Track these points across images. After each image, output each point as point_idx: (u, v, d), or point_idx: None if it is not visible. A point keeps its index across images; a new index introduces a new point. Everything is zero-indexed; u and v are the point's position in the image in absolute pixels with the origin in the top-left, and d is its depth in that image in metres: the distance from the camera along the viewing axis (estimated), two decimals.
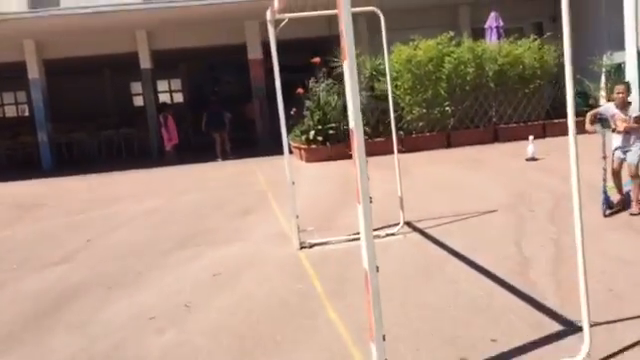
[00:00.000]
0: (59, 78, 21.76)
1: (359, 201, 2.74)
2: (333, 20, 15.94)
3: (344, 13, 2.66)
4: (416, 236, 5.81)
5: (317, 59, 12.55)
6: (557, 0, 13.56)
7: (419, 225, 6.15)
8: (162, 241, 6.57)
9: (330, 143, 12.31)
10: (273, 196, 8.88)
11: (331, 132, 12.31)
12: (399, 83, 12.53)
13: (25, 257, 6.44)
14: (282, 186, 10.19)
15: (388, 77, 6.84)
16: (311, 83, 12.84)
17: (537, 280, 4.21)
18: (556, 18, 16.38)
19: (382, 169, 10.58)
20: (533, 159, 9.79)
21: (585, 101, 13.53)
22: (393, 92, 13.08)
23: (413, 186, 8.51)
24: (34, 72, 15.22)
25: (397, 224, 6.15)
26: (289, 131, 14.55)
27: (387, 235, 5.91)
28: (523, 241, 5.22)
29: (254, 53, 15.76)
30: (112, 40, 15.39)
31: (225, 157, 14.54)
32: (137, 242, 6.67)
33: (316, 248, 5.74)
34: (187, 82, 22.89)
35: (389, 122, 12.93)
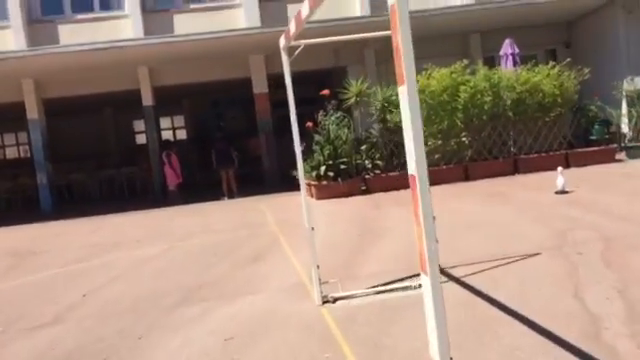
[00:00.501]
0: (59, 118, 21.41)
1: (425, 269, 2.07)
2: (340, 51, 15.55)
3: (401, 28, 2.05)
4: (454, 287, 5.09)
5: (326, 91, 12.02)
6: (571, 26, 13.25)
7: (455, 272, 5.44)
8: (165, 294, 5.87)
9: (342, 179, 11.68)
10: (285, 239, 8.19)
11: (343, 167, 11.69)
12: None
13: (15, 316, 5.74)
14: (294, 226, 9.58)
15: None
16: (320, 116, 12.26)
17: (615, 345, 3.49)
18: (570, 44, 15.93)
19: (400, 205, 9.93)
20: (563, 192, 9.11)
21: (607, 128, 12.94)
22: None
23: (439, 224, 7.79)
24: (33, 112, 14.74)
25: None
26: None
27: (420, 286, 5.20)
28: (583, 292, 4.50)
29: (259, 87, 15.28)
30: (112, 77, 14.95)
31: (231, 196, 13.90)
32: (137, 296, 5.97)
33: (340, 303, 5.03)
34: (190, 118, 22.43)
35: (403, 155, 12.36)
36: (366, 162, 11.92)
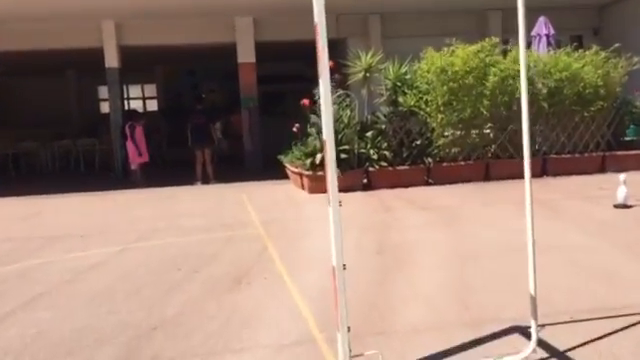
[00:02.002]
0: (12, 77, 18.93)
1: None
2: (342, 20, 13.38)
3: None
4: None
5: (330, 62, 9.90)
6: (602, 11, 11.06)
7: (552, 338, 3.50)
8: (100, 341, 3.82)
9: (341, 170, 9.65)
10: (276, 249, 6.17)
11: (343, 156, 9.66)
12: (430, 98, 9.97)
13: None
14: (285, 230, 7.37)
15: None
16: (317, 93, 10.16)
17: None
18: (599, 31, 14.11)
19: (414, 208, 7.97)
20: (625, 206, 7.26)
21: None
22: (422, 109, 10.59)
23: (479, 245, 5.88)
24: None
25: (508, 330, 3.54)
26: (286, 151, 11.94)
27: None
28: None
29: (245, 55, 13.13)
30: (73, 31, 12.63)
31: (206, 181, 11.76)
32: (59, 340, 3.90)
33: None
34: (163, 88, 20.07)
35: (415, 146, 10.38)
36: (371, 152, 9.92)
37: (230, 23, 13.01)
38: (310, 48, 11.74)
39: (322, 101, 2.99)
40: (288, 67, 19.25)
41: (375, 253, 5.86)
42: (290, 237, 6.74)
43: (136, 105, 20.84)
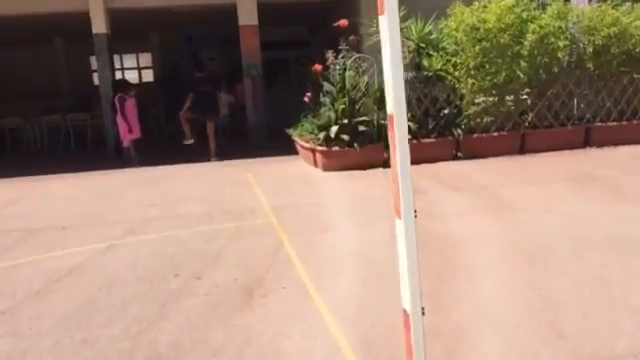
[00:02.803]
0: None
1: None
2: None
3: None
4: None
5: (343, 21, 8.72)
6: None
7: None
8: None
9: (359, 145, 8.52)
10: (292, 243, 5.10)
11: (361, 128, 8.52)
12: (459, 60, 8.77)
13: None
14: (302, 219, 6.02)
15: None
16: (331, 57, 8.96)
17: None
18: None
19: (451, 190, 6.86)
20: None
21: None
22: (450, 73, 9.38)
23: (543, 238, 4.75)
24: None
25: None
26: (295, 124, 10.78)
27: None
28: None
29: (247, 17, 11.85)
30: None
31: (207, 157, 10.63)
32: None
33: None
34: (159, 56, 18.76)
35: (442, 115, 9.20)
36: None
37: None
38: (314, 9, 10.47)
39: (388, 55, 1.90)
40: (289, 32, 17.96)
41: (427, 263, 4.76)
42: (309, 228, 5.65)
43: (131, 76, 19.59)
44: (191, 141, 10.65)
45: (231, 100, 13.47)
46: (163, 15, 13.81)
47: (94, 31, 11.49)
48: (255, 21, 11.79)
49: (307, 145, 9.12)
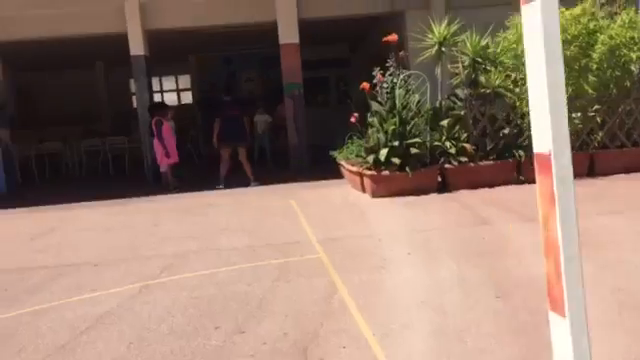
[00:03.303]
0: (35, 73, 17.77)
1: None
2: None
3: None
4: None
5: (393, 37, 8.13)
6: None
7: None
8: None
9: (411, 168, 7.85)
10: (347, 286, 4.46)
11: (414, 151, 7.86)
12: (520, 76, 8.05)
13: None
14: (353, 252, 5.26)
15: None
16: (378, 75, 8.36)
17: None
18: None
19: (522, 220, 6.13)
20: None
21: None
22: (510, 90, 8.66)
23: None
24: None
25: None
26: (340, 147, 10.19)
27: None
28: None
29: (288, 35, 11.38)
30: (93, 15, 11.13)
31: (246, 182, 10.09)
32: None
33: None
34: (198, 78, 18.54)
35: (502, 135, 8.44)
36: (447, 144, 8.09)
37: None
38: (356, 26, 9.81)
39: (542, 69, 1.28)
40: (329, 50, 17.53)
41: (494, 298, 4.06)
42: (364, 267, 5.00)
43: (170, 98, 19.47)
44: (221, 186, 9.89)
45: (268, 120, 13.03)
46: (201, 36, 13.53)
47: (132, 53, 11.21)
48: (296, 39, 11.32)
49: (354, 169, 8.50)
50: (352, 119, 8.40)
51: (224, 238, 6.45)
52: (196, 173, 11.83)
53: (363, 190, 8.39)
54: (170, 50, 14.74)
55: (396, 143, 7.83)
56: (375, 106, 8.31)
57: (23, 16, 11.00)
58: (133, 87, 19.12)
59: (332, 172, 10.04)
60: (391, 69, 8.38)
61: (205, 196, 9.39)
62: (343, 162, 9.26)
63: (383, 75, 8.20)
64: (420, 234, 5.99)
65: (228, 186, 9.94)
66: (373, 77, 11.78)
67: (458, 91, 8.44)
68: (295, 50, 11.36)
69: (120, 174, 13.26)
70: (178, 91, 20.11)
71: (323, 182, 9.62)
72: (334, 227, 6.57)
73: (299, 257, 5.45)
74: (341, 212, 7.38)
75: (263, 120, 13.23)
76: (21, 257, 6.27)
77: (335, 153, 9.68)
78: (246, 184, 9.97)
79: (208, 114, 16.91)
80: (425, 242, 5.66)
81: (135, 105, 15.97)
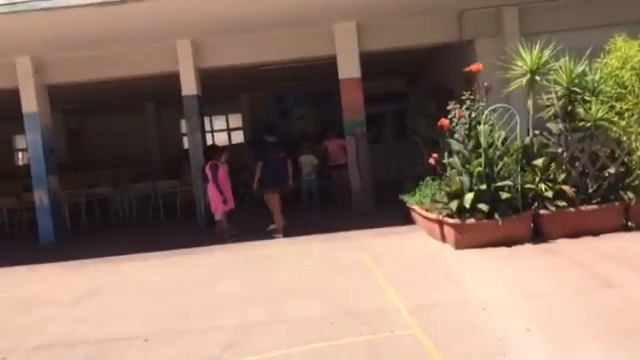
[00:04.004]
0: (85, 116, 17.66)
1: None
2: (468, 18, 10.05)
3: None
4: None
5: (477, 66, 7.18)
6: None
7: None
8: None
9: (501, 215, 6.77)
10: None
11: (504, 196, 6.79)
12: (626, 106, 6.95)
13: None
14: (455, 327, 4.13)
15: None
16: (454, 110, 7.40)
17: None
18: None
19: None
20: None
21: None
22: (614, 123, 7.48)
23: None
24: (30, 104, 10.54)
25: None
26: (412, 188, 9.20)
27: None
28: None
29: (349, 70, 10.59)
30: (144, 56, 10.66)
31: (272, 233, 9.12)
32: None
33: None
34: (249, 117, 17.99)
35: (607, 176, 7.16)
36: (541, 187, 6.99)
37: (327, 31, 10.57)
38: (415, 57, 8.64)
39: None
40: (384, 85, 16.70)
41: None
42: (478, 351, 3.95)
43: (221, 138, 18.97)
44: (280, 236, 8.97)
45: (314, 162, 12.14)
46: (253, 73, 12.95)
47: (184, 93, 10.62)
48: (358, 74, 10.51)
49: (432, 216, 7.48)
50: (431, 160, 7.41)
51: (292, 303, 5.51)
52: (250, 219, 11.01)
53: (443, 240, 7.35)
54: (221, 88, 14.22)
55: (483, 187, 6.79)
56: (455, 145, 7.31)
57: (73, 58, 10.61)
58: (183, 128, 18.84)
59: (398, 216, 9.09)
60: (467, 102, 7.42)
61: (262, 246, 8.52)
62: (416, 207, 8.26)
63: (469, 107, 7.21)
64: (533, 301, 4.90)
65: (287, 234, 9.06)
66: (432, 111, 10.91)
67: (551, 125, 7.36)
68: (356, 85, 10.55)
69: (171, 218, 12.59)
70: (229, 130, 19.62)
71: (392, 229, 8.62)
72: (421, 289, 5.55)
73: (389, 333, 4.45)
74: (424, 269, 6.35)
75: (309, 162, 12.31)
76: (59, 328, 5.48)
77: (406, 197, 8.70)
78: (308, 232, 9.04)
79: (260, 154, 16.28)
80: (544, 313, 4.57)
81: (186, 146, 15.45)
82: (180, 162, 14.83)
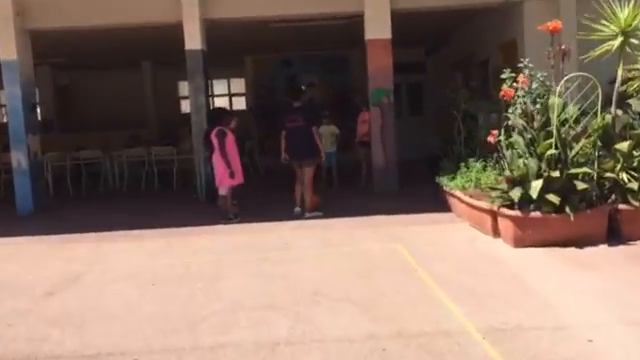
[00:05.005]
0: (75, 72, 16.22)
1: None
2: None
3: None
4: None
5: (555, 23, 5.86)
6: None
7: None
8: None
9: (571, 209, 5.54)
10: None
11: (580, 186, 5.56)
12: None
13: None
14: None
15: None
16: (522, 78, 6.10)
17: None
18: None
19: None
20: None
21: None
22: None
23: None
24: (9, 50, 9.10)
25: None
26: (450, 170, 7.92)
27: None
28: None
29: (378, 29, 9.21)
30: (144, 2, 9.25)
31: (300, 213, 7.90)
32: None
33: None
34: (253, 82, 16.55)
35: None
36: (623, 177, 5.77)
37: None
38: (443, 22, 6.85)
39: None
40: (401, 54, 15.30)
41: None
42: None
43: (220, 104, 17.55)
44: (299, 209, 7.90)
45: (335, 132, 10.68)
46: (261, 33, 11.57)
47: (187, 47, 9.22)
48: (388, 34, 9.15)
49: (483, 205, 6.24)
50: (490, 138, 6.15)
51: (323, 313, 4.29)
52: (257, 193, 9.76)
53: (494, 234, 6.14)
54: (225, 50, 12.78)
55: (556, 174, 5.54)
56: (515, 120, 6.04)
57: (59, 0, 9.18)
58: (182, 91, 17.41)
59: (427, 200, 7.95)
60: (526, 71, 6.14)
61: (276, 228, 7.28)
62: (458, 193, 7.02)
63: (531, 77, 5.93)
64: (631, 326, 3.71)
65: (298, 216, 7.84)
66: (455, 83, 9.60)
67: (633, 102, 6.09)
68: (386, 47, 9.20)
69: (166, 189, 11.31)
70: (230, 96, 18.23)
71: (425, 216, 7.41)
72: (491, 303, 4.33)
73: None
74: (484, 272, 5.13)
75: (330, 132, 10.85)
76: (28, 331, 4.24)
77: (445, 180, 7.46)
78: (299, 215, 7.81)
79: (264, 123, 14.96)
80: None
81: (187, 110, 13.93)
82: (177, 127, 13.48)
